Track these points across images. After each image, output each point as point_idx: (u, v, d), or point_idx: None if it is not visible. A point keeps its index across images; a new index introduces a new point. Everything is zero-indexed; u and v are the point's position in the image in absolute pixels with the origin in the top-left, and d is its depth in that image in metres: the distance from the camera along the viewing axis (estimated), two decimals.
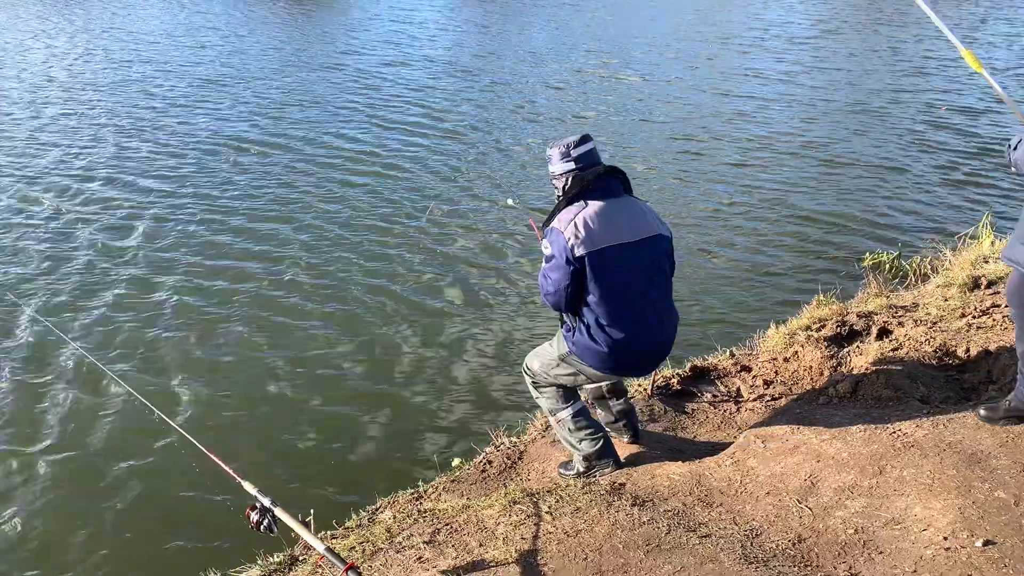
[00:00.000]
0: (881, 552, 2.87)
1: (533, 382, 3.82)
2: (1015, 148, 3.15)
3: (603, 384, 3.99)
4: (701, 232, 8.51)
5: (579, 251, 3.32)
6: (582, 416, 3.77)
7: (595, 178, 3.42)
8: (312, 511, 3.32)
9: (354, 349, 6.33)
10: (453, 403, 5.66)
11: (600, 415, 4.12)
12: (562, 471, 3.98)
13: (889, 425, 3.57)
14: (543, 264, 3.49)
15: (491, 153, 11.24)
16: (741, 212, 9.11)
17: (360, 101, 13.68)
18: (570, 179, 3.46)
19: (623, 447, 4.03)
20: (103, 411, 5.48)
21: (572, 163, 3.44)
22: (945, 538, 2.84)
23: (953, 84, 15.33)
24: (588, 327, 3.45)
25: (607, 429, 3.98)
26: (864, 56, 18.21)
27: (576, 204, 3.41)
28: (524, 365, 3.86)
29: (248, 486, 3.23)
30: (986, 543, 2.78)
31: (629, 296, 3.42)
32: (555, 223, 3.43)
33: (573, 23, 22.37)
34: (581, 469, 3.81)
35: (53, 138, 11.36)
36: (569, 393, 3.78)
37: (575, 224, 3.35)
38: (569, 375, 3.68)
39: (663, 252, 3.53)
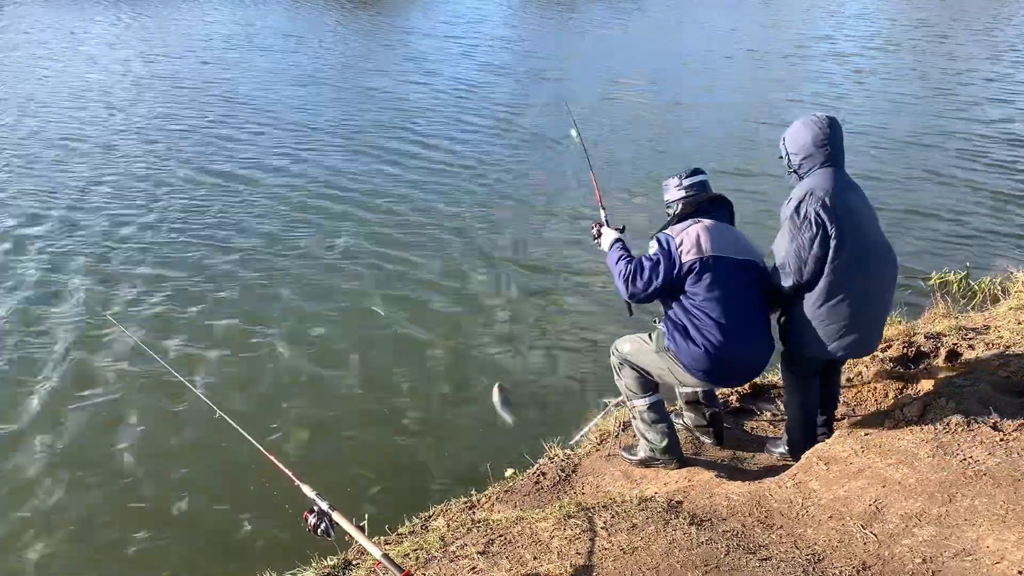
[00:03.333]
0: None
1: (620, 362, 3.96)
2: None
3: (698, 390, 4.19)
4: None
5: (688, 256, 3.64)
6: (656, 409, 3.95)
7: (705, 202, 3.83)
8: (366, 516, 3.34)
9: (412, 357, 6.36)
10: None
11: (689, 417, 4.33)
12: (623, 453, 4.19)
13: (959, 452, 3.45)
14: (642, 257, 3.72)
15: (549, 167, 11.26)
16: None
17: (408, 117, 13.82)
18: (684, 204, 3.86)
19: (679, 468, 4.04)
20: (165, 410, 5.61)
21: (683, 191, 3.89)
22: (1020, 572, 2.72)
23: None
24: (686, 329, 3.65)
25: (692, 432, 4.32)
26: (930, 70, 17.76)
27: (689, 219, 3.77)
28: (613, 347, 4.02)
29: (307, 489, 3.26)
30: None
31: (730, 307, 3.64)
32: (667, 230, 3.77)
33: (630, 31, 22.30)
34: (644, 456, 4.03)
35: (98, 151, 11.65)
36: (648, 384, 3.93)
37: (687, 233, 3.69)
38: (659, 369, 3.83)
39: (762, 279, 3.78)
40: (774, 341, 3.81)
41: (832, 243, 3.52)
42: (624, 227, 4.10)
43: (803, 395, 3.99)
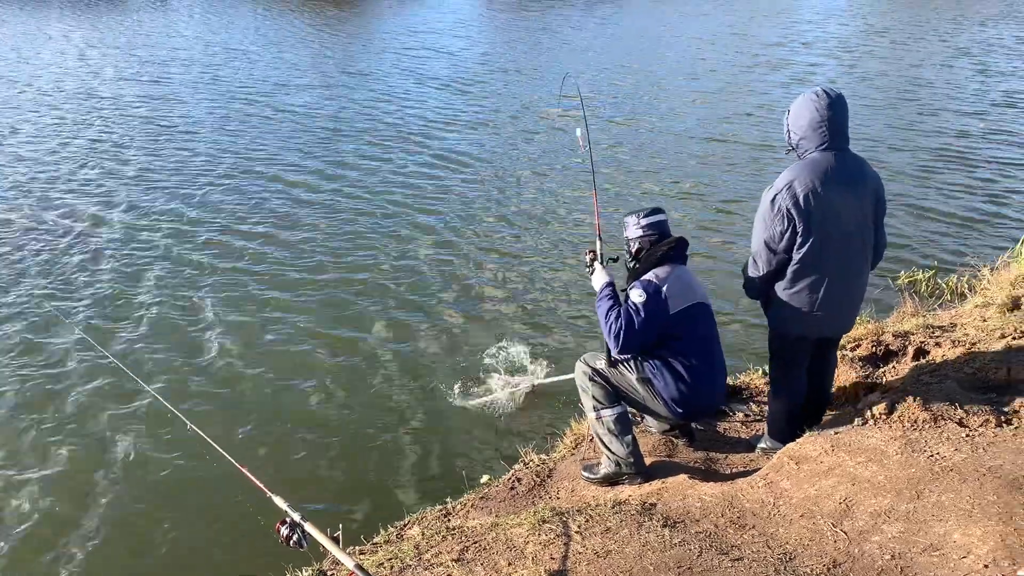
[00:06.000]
0: None
1: (591, 375, 3.99)
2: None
3: None
4: (734, 247, 8.45)
5: (677, 306, 3.79)
6: (622, 421, 3.96)
7: (670, 247, 3.93)
8: (340, 526, 3.32)
9: (383, 365, 6.35)
10: (482, 419, 5.65)
11: (658, 423, 4.38)
12: (586, 474, 4.12)
13: (927, 448, 3.49)
14: (629, 308, 3.78)
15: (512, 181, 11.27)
16: None
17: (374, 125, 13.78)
18: (641, 243, 4.00)
19: (655, 469, 4.05)
20: (136, 424, 5.56)
21: (641, 231, 4.01)
22: (986, 566, 2.76)
23: (991, 104, 15.11)
24: (677, 371, 3.83)
25: (664, 434, 4.37)
26: (900, 72, 18.02)
27: (664, 267, 3.89)
28: (582, 361, 4.05)
29: (279, 501, 3.24)
30: None
31: (706, 351, 3.90)
32: (650, 276, 3.86)
33: (601, 39, 22.41)
34: (609, 471, 4.00)
35: (55, 154, 11.54)
36: (615, 395, 3.97)
37: (671, 281, 3.83)
38: (633, 393, 3.92)
39: (714, 318, 4.03)
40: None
41: (798, 239, 3.64)
42: (617, 258, 4.18)
43: (789, 384, 4.06)
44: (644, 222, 4.02)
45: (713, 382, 3.97)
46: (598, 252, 4.22)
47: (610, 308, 3.83)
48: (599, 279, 4.04)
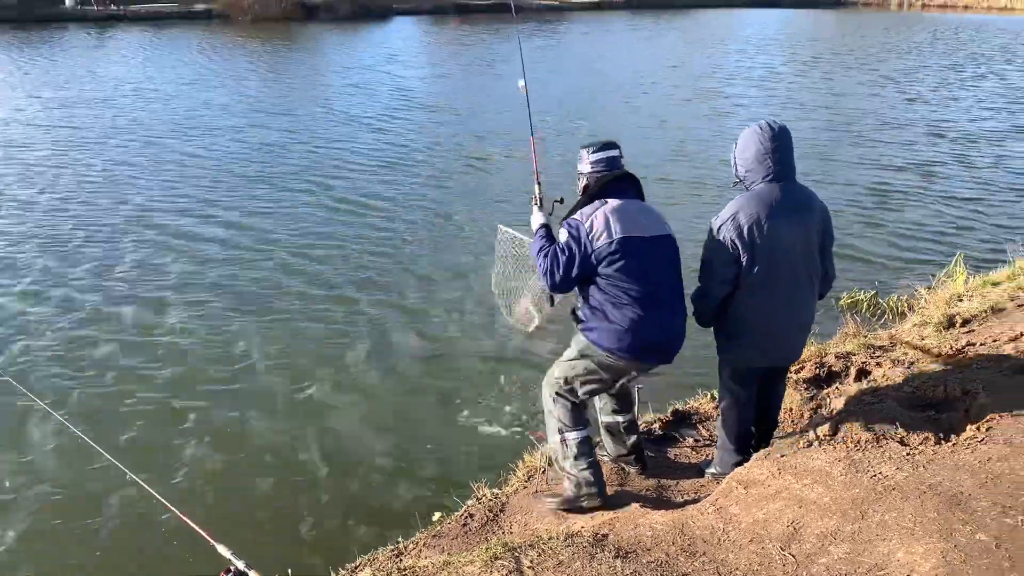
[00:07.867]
0: None
1: (553, 393, 3.93)
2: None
3: (619, 420, 4.23)
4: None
5: (599, 242, 3.64)
6: (586, 444, 3.94)
7: (612, 180, 3.81)
8: (289, 571, 3.24)
9: (329, 402, 6.25)
10: (434, 455, 5.59)
11: (611, 448, 4.34)
12: (548, 500, 4.11)
13: (870, 468, 3.55)
14: (556, 248, 3.73)
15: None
16: None
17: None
18: (589, 179, 3.87)
19: (608, 498, 4.04)
20: (73, 470, 5.37)
21: (590, 166, 3.87)
22: None
23: (932, 131, 15.66)
24: (605, 312, 3.71)
25: (616, 462, 4.33)
26: (839, 96, 18.60)
27: (597, 201, 3.75)
28: (547, 375, 4.00)
29: (222, 549, 3.14)
30: None
31: (646, 283, 3.70)
32: (575, 215, 3.76)
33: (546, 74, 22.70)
34: (571, 495, 3.97)
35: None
36: (580, 416, 3.93)
37: (596, 217, 3.69)
38: (589, 373, 3.83)
39: (674, 251, 3.86)
40: (687, 312, 3.88)
41: (742, 268, 3.70)
42: (563, 199, 4.08)
43: (738, 412, 4.10)
44: (593, 157, 3.87)
45: (659, 308, 3.75)
46: (536, 196, 4.15)
47: (540, 248, 3.82)
48: (535, 221, 4.01)
